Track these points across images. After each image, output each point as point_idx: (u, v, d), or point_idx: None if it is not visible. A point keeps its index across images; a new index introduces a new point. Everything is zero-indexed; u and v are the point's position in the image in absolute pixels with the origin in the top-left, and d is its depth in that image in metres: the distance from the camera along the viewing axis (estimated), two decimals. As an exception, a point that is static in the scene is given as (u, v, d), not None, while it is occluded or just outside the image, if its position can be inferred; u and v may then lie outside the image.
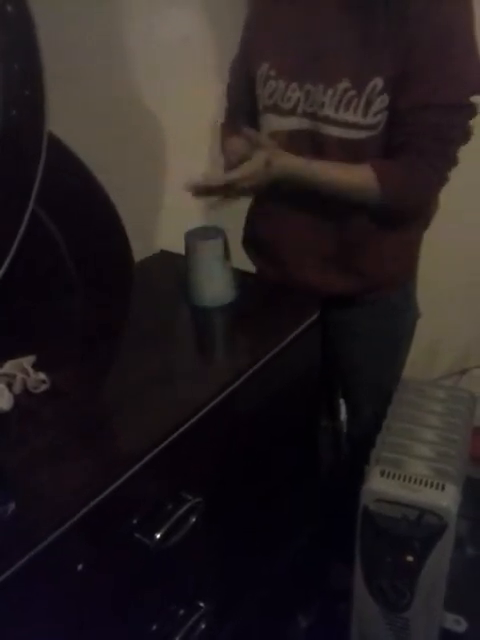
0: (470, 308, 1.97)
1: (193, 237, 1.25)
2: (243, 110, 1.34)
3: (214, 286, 1.27)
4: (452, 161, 1.14)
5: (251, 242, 1.43)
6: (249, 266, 1.45)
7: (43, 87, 0.99)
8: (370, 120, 1.11)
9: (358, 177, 1.15)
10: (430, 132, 1.10)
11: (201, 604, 1.08)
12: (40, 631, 0.80)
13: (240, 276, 1.31)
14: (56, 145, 1.14)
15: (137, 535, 0.90)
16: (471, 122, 1.12)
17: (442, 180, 1.16)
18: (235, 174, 1.13)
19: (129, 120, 1.46)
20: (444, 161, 1.14)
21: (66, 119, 1.14)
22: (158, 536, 0.90)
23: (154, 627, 1.01)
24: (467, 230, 1.81)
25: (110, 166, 1.30)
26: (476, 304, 1.97)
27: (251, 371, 1.08)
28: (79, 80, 1.26)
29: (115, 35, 1.38)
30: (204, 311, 1.27)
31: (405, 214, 1.25)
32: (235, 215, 1.41)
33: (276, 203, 1.29)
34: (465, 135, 1.13)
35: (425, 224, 1.31)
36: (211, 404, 0.99)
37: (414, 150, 1.12)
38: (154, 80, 1.45)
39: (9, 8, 0.88)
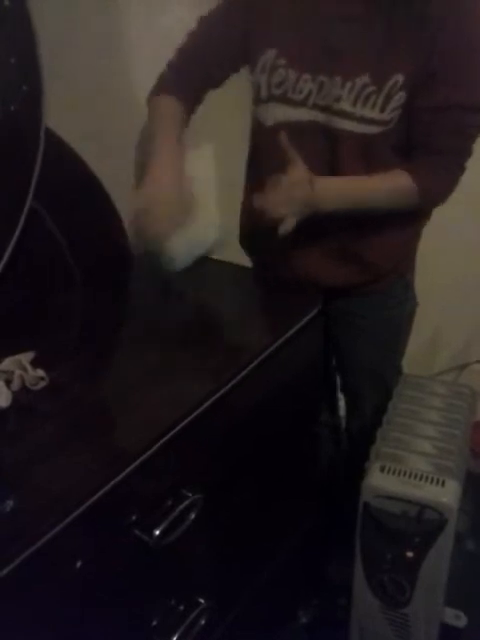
0: (470, 303, 1.97)
1: None
2: (204, 72, 1.26)
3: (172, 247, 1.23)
4: (470, 154, 1.17)
5: (249, 236, 1.42)
6: (247, 263, 1.45)
7: (41, 82, 0.99)
8: (387, 116, 1.12)
9: (397, 185, 1.16)
10: (450, 131, 1.12)
11: (201, 600, 1.08)
12: (40, 627, 0.80)
13: (239, 271, 1.30)
14: (55, 141, 1.13)
15: (136, 531, 0.90)
16: None
17: (462, 172, 1.18)
18: (270, 196, 1.10)
19: (129, 115, 1.45)
20: (464, 156, 1.16)
21: (65, 115, 1.13)
22: (157, 532, 0.90)
23: (154, 623, 1.01)
24: (466, 223, 1.81)
25: (109, 161, 1.29)
26: (476, 299, 1.97)
27: (252, 366, 1.08)
28: (79, 76, 1.26)
29: (116, 28, 1.37)
30: (205, 305, 1.26)
31: (423, 209, 1.26)
32: (233, 211, 1.41)
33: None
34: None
35: (426, 215, 1.31)
36: (211, 400, 0.99)
37: (435, 148, 1.14)
38: (156, 74, 1.44)
39: (6, 2, 0.88)
